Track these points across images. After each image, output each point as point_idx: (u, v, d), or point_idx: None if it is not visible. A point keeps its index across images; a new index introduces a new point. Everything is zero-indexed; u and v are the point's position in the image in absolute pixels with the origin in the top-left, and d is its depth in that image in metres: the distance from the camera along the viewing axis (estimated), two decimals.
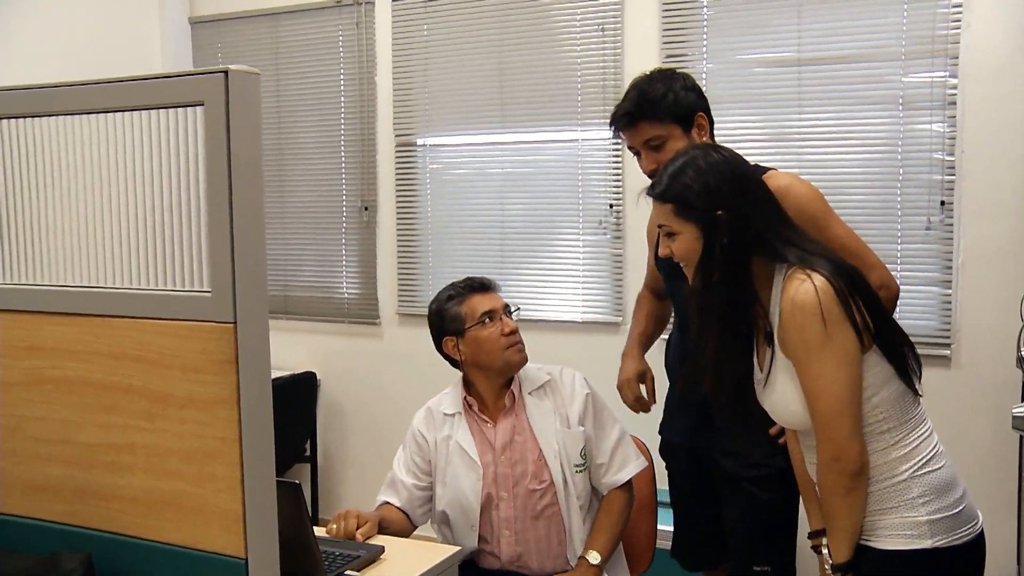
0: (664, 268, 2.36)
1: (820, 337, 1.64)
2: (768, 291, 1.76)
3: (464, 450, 2.39)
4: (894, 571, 1.71)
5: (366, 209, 4.19)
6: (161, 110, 1.42)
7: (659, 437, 2.52)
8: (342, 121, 4.21)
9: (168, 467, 1.49)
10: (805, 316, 1.65)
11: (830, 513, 1.73)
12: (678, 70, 2.29)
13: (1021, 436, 3.07)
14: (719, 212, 1.73)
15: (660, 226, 1.83)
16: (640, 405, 2.46)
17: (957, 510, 1.69)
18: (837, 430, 1.66)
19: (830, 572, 1.73)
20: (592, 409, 2.43)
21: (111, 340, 1.51)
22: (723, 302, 1.76)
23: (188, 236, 1.44)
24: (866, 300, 1.69)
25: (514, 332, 2.39)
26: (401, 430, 2.63)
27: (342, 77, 4.19)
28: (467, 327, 2.39)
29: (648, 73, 2.25)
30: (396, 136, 4.10)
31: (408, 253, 4.13)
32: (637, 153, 2.23)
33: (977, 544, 1.71)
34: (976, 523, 1.72)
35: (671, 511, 2.60)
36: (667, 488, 2.50)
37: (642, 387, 2.46)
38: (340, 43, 4.17)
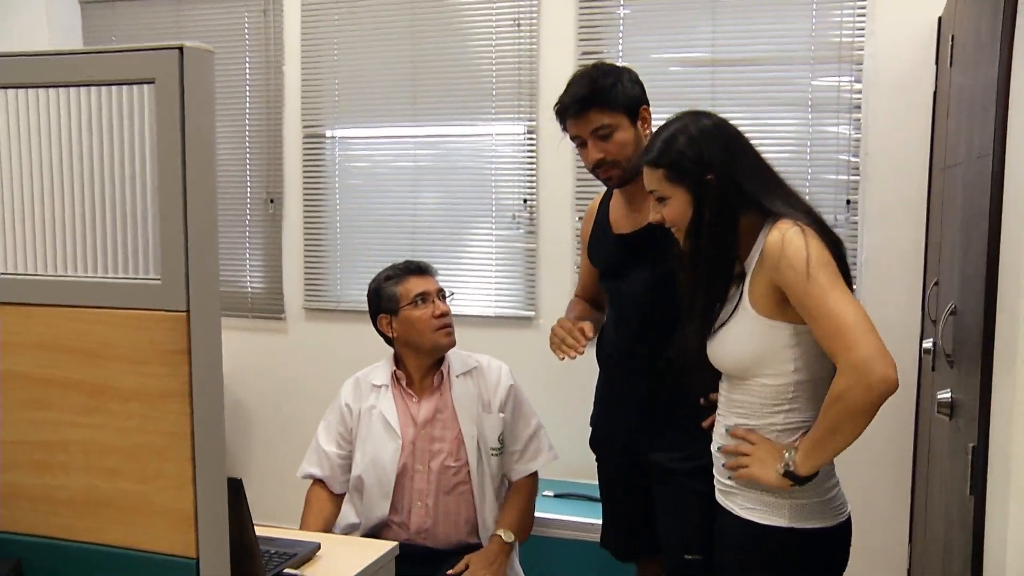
0: (601, 263, 2.37)
1: (809, 269, 1.64)
2: (751, 241, 1.78)
3: (387, 420, 2.50)
4: (750, 540, 1.78)
5: (272, 201, 4.08)
6: (105, 87, 1.34)
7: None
8: (247, 111, 4.08)
9: (107, 465, 1.41)
10: (795, 250, 1.66)
11: (831, 428, 1.63)
12: (621, 65, 2.30)
13: (915, 433, 3.23)
14: (709, 176, 1.75)
15: (652, 191, 1.85)
16: (572, 336, 2.16)
17: (823, 499, 1.75)
18: (867, 345, 1.57)
19: (780, 473, 1.69)
20: (514, 400, 2.61)
21: (43, 331, 1.42)
22: (711, 264, 1.79)
23: (134, 221, 1.36)
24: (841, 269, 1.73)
25: (445, 315, 2.53)
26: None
27: (247, 65, 4.06)
28: (401, 306, 2.52)
29: (593, 65, 2.26)
30: (304, 127, 4.00)
31: (315, 247, 4.04)
32: (582, 144, 2.22)
33: (837, 531, 1.76)
34: (841, 513, 1.77)
35: (595, 504, 2.63)
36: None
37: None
38: (246, 30, 4.05)
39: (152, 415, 1.36)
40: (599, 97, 2.16)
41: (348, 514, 2.56)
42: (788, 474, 1.69)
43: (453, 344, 2.54)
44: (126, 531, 1.40)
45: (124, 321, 1.36)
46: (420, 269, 2.59)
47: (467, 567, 2.41)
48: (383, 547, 2.03)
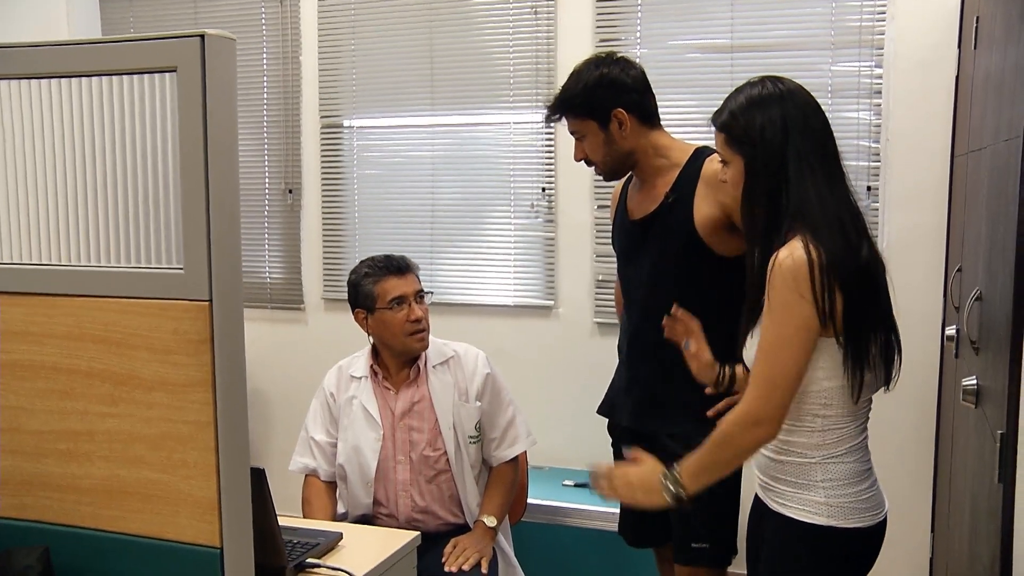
0: (617, 248, 2.36)
1: (781, 300, 1.63)
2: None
3: (367, 410, 2.54)
4: (788, 536, 1.76)
5: (290, 192, 4.08)
6: (127, 76, 1.34)
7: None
8: (265, 101, 4.08)
9: (132, 454, 1.42)
10: (782, 278, 1.63)
11: (714, 457, 1.71)
12: (617, 55, 2.26)
13: (938, 421, 3.20)
14: (756, 147, 1.69)
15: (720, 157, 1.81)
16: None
17: (859, 499, 1.73)
18: (770, 404, 1.64)
19: (669, 497, 1.73)
20: (491, 388, 2.62)
21: (69, 321, 1.43)
22: (759, 244, 1.74)
23: (157, 210, 1.37)
24: (856, 285, 1.66)
25: (419, 320, 2.52)
26: None
27: (265, 56, 4.06)
28: (376, 307, 2.52)
29: (585, 61, 2.25)
30: (322, 117, 4.00)
31: (334, 237, 4.04)
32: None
33: (873, 532, 1.75)
34: (877, 513, 1.75)
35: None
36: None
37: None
38: (263, 21, 4.05)
39: (176, 404, 1.37)
40: (564, 106, 2.22)
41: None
42: (678, 499, 1.72)
43: (425, 347, 2.55)
44: (150, 520, 1.41)
45: (148, 311, 1.37)
46: (399, 269, 2.55)
47: (455, 547, 2.43)
48: (405, 536, 2.03)
